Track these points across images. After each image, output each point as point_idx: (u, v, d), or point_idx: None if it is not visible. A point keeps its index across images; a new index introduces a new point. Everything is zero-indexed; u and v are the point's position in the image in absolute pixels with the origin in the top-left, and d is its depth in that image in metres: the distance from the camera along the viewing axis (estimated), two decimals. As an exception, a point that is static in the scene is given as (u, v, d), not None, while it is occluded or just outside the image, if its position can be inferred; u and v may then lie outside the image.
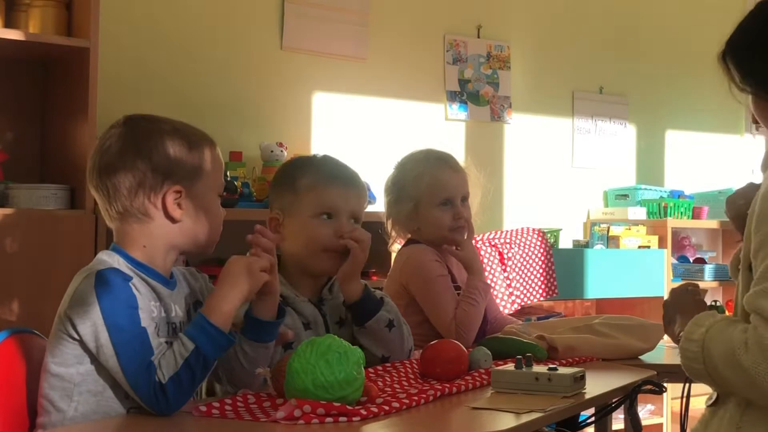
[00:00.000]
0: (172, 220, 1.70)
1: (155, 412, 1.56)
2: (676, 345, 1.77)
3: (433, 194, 2.53)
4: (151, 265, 1.69)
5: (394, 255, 2.73)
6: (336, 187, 2.07)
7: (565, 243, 4.55)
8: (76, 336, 1.60)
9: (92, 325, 1.58)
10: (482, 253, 3.82)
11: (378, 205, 3.59)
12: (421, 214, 2.55)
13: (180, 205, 1.70)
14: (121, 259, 1.67)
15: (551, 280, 4.03)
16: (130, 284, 1.62)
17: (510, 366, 1.83)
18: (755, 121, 1.80)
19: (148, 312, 1.63)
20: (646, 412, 4.39)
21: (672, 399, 4.42)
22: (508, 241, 4.01)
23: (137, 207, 1.69)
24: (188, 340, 1.58)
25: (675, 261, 4.68)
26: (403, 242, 2.66)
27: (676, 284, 1.98)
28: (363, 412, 1.53)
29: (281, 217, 2.09)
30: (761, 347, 1.50)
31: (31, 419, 1.67)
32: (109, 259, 1.67)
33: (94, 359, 1.60)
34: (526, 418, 1.57)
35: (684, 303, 1.84)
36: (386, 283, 2.64)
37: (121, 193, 1.68)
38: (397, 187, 2.59)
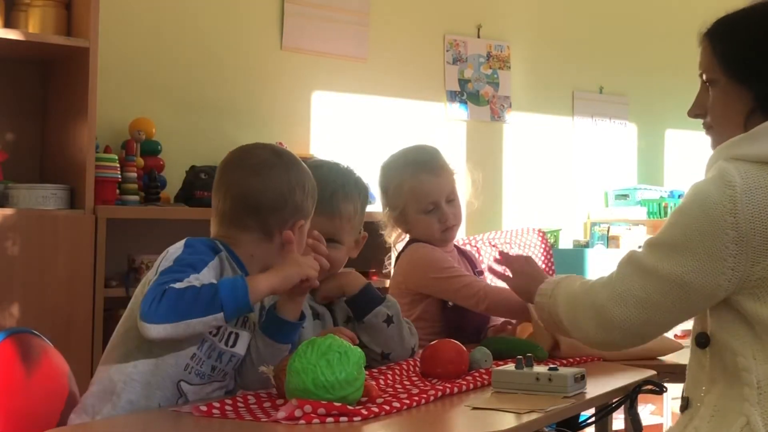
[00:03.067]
0: (281, 245, 1.80)
1: (140, 317, 1.54)
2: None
3: (417, 202, 2.53)
4: (247, 268, 1.77)
5: (389, 245, 2.73)
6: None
7: (565, 243, 4.55)
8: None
9: (166, 261, 1.65)
10: (482, 253, 3.82)
11: (378, 205, 3.60)
12: (409, 219, 2.55)
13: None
14: (224, 249, 1.75)
15: (551, 280, 4.02)
16: (218, 255, 1.71)
17: (510, 366, 1.83)
18: (698, 114, 1.77)
19: (215, 279, 1.66)
20: (646, 412, 4.39)
21: (672, 399, 4.42)
22: (508, 241, 4.01)
23: (268, 228, 1.80)
24: (215, 281, 1.62)
25: (675, 261, 4.67)
26: (400, 234, 2.66)
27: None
28: (364, 412, 1.52)
29: None
30: (591, 291, 1.70)
31: (31, 420, 1.67)
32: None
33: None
34: (526, 418, 1.56)
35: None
36: (390, 282, 2.65)
37: (262, 213, 1.79)
38: (383, 192, 2.60)
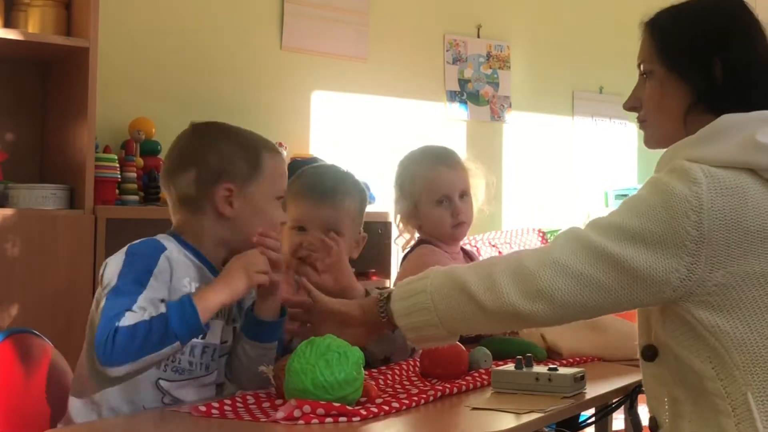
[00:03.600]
0: (221, 216, 1.75)
1: (98, 360, 1.53)
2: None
3: (430, 193, 2.54)
4: (202, 251, 1.75)
5: (396, 248, 2.73)
6: (307, 202, 2.09)
7: (565, 243, 4.55)
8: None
9: (109, 275, 1.62)
10: (482, 253, 3.82)
11: (378, 205, 3.60)
12: (421, 212, 2.56)
13: (231, 204, 1.76)
14: (174, 240, 1.73)
15: (551, 280, 4.02)
16: (163, 255, 1.67)
17: (510, 366, 1.83)
18: (634, 107, 1.70)
19: (165, 283, 1.64)
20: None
21: (672, 399, 4.42)
22: (508, 241, 4.01)
23: (193, 201, 1.76)
24: (164, 307, 1.59)
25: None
26: (409, 240, 2.67)
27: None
28: (363, 412, 1.52)
29: None
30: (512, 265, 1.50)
31: (30, 420, 1.67)
32: (161, 239, 1.73)
33: None
34: (526, 419, 1.56)
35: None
36: (395, 283, 2.65)
37: (181, 188, 1.76)
38: (398, 185, 2.62)
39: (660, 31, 1.66)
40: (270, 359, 1.78)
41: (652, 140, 1.70)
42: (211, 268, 1.76)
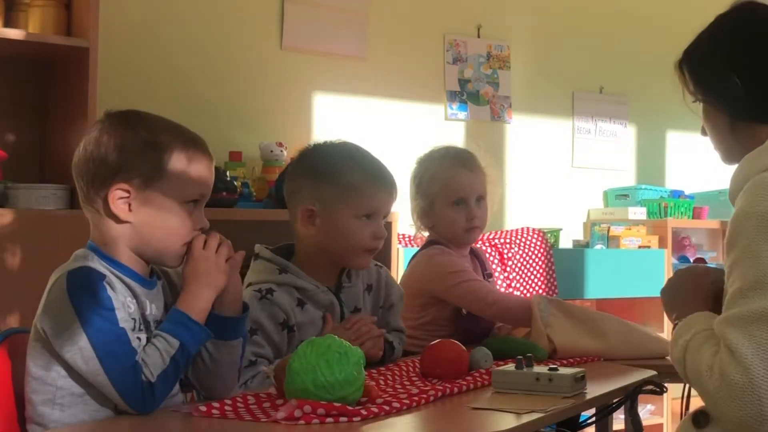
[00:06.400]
0: (116, 219, 1.63)
1: (138, 411, 1.54)
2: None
3: (447, 194, 2.55)
4: (123, 261, 1.65)
5: (396, 248, 2.73)
6: (381, 190, 2.09)
7: (565, 243, 4.55)
8: (52, 345, 1.57)
9: (70, 333, 1.53)
10: (482, 253, 3.82)
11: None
12: (436, 212, 2.57)
13: (130, 206, 1.63)
14: (96, 257, 1.63)
15: (551, 280, 4.03)
16: (105, 283, 1.57)
17: (510, 366, 1.83)
18: (705, 133, 1.82)
19: (125, 310, 1.60)
20: (646, 413, 4.39)
21: (672, 399, 4.42)
22: (508, 241, 4.01)
23: (90, 199, 1.65)
24: (172, 337, 1.58)
25: (675, 261, 4.67)
26: (416, 239, 2.68)
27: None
28: (363, 412, 1.53)
29: (317, 209, 2.06)
30: (723, 376, 1.49)
31: (30, 421, 1.67)
32: (83, 257, 1.63)
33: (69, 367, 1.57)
34: (526, 419, 1.56)
35: (685, 286, 1.78)
36: (401, 281, 2.65)
37: (80, 183, 1.66)
38: (415, 183, 2.63)
39: (688, 65, 1.80)
40: (236, 359, 1.76)
41: (723, 160, 1.80)
42: (139, 278, 1.67)
